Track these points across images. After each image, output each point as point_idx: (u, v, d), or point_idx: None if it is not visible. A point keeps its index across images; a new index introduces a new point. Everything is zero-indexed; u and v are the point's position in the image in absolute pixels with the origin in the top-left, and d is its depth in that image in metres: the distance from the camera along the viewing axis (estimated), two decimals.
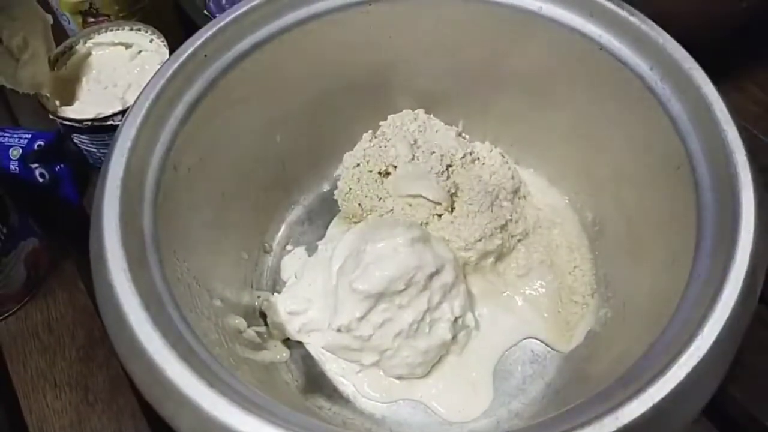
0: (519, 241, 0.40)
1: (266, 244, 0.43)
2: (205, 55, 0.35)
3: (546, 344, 0.38)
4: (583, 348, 0.37)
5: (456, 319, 0.36)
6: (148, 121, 0.32)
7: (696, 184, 0.29)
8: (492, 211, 0.39)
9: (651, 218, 0.34)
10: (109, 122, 0.42)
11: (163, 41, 0.45)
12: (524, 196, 0.42)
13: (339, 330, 0.34)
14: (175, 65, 0.34)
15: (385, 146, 0.41)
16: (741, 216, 0.26)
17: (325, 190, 0.45)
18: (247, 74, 0.37)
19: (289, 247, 0.43)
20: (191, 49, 0.34)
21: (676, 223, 0.30)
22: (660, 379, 0.23)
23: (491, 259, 0.39)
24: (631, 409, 0.23)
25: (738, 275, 0.25)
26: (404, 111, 0.43)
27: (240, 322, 0.37)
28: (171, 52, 0.40)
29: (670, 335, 0.26)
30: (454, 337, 0.37)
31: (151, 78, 0.34)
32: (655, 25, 0.33)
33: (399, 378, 0.37)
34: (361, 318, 0.34)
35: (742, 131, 0.28)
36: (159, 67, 0.34)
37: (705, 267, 0.27)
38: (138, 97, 0.33)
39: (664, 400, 0.23)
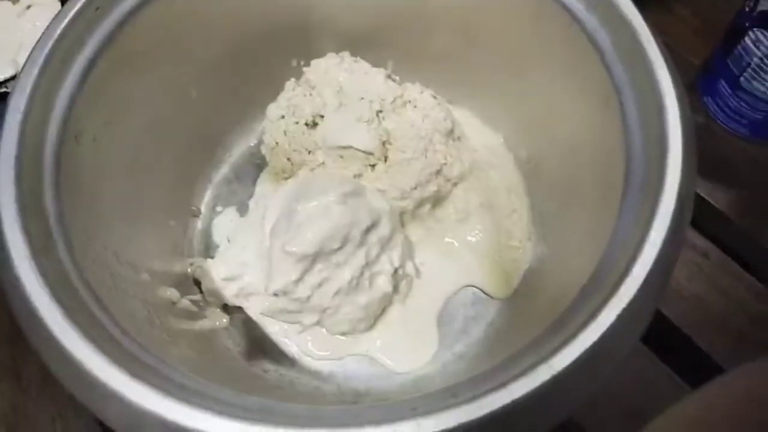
0: (455, 185, 0.39)
1: (194, 208, 0.41)
2: (97, 8, 0.31)
3: (485, 293, 0.38)
4: (522, 286, 0.38)
5: (396, 270, 0.36)
6: (40, 89, 0.29)
7: (624, 118, 0.29)
8: (426, 156, 0.37)
9: (582, 154, 0.33)
10: (2, 89, 0.38)
11: None
12: (459, 138, 0.40)
13: (275, 294, 0.33)
14: (65, 22, 0.30)
15: (310, 94, 0.39)
16: (669, 151, 0.26)
17: (251, 144, 0.43)
18: (149, 25, 0.33)
19: (219, 209, 0.41)
20: (82, 2, 0.31)
21: (606, 159, 0.30)
22: (591, 324, 0.23)
23: (428, 206, 0.39)
24: (563, 357, 0.23)
25: (666, 212, 0.25)
26: (328, 54, 0.40)
27: (172, 293, 0.35)
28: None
29: (600, 276, 0.26)
30: (395, 288, 0.36)
31: (39, 38, 0.30)
32: None
33: (343, 334, 0.36)
34: (298, 280, 0.33)
35: (671, 63, 0.28)
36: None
37: (633, 205, 0.26)
38: (25, 63, 0.30)
39: (595, 344, 0.23)
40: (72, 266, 0.26)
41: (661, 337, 0.37)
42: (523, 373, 0.23)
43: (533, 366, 0.23)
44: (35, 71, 0.29)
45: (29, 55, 0.29)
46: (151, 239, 0.36)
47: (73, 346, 0.23)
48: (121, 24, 0.32)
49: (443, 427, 0.21)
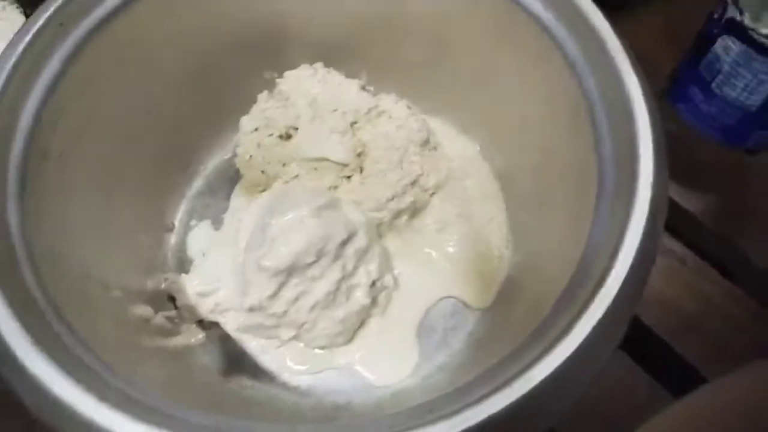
0: (432, 195, 0.39)
1: (167, 222, 0.40)
2: (61, 24, 0.31)
3: (465, 303, 0.38)
4: (501, 295, 0.37)
5: (374, 283, 0.35)
6: (3, 104, 0.28)
7: (595, 127, 0.28)
8: (402, 167, 0.37)
9: (556, 163, 0.33)
10: None
11: (17, 7, 0.40)
12: (435, 147, 0.40)
13: (251, 310, 0.33)
14: (28, 37, 0.30)
15: (284, 106, 0.38)
16: (639, 158, 0.26)
17: (225, 157, 0.42)
18: (116, 40, 0.33)
19: (193, 223, 0.40)
20: (45, 15, 0.30)
21: (579, 168, 0.30)
22: (568, 334, 0.23)
23: (405, 217, 0.38)
24: (541, 368, 0.22)
25: (639, 219, 0.25)
26: (301, 66, 0.40)
27: (146, 310, 0.34)
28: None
29: (576, 285, 0.25)
30: (373, 300, 0.36)
31: (2, 53, 0.30)
32: None
33: (321, 348, 0.36)
34: (273, 296, 0.32)
35: (639, 70, 0.28)
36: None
37: (606, 213, 0.26)
38: None
39: (573, 354, 0.23)
40: (37, 286, 0.26)
41: (639, 343, 0.37)
42: (501, 386, 0.22)
43: (511, 379, 0.22)
44: None
45: None
46: (123, 256, 0.35)
47: (38, 369, 0.23)
48: (87, 39, 0.31)
49: None
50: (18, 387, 0.23)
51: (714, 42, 0.39)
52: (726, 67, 0.39)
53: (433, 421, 0.22)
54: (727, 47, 0.38)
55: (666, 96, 0.45)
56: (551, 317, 0.25)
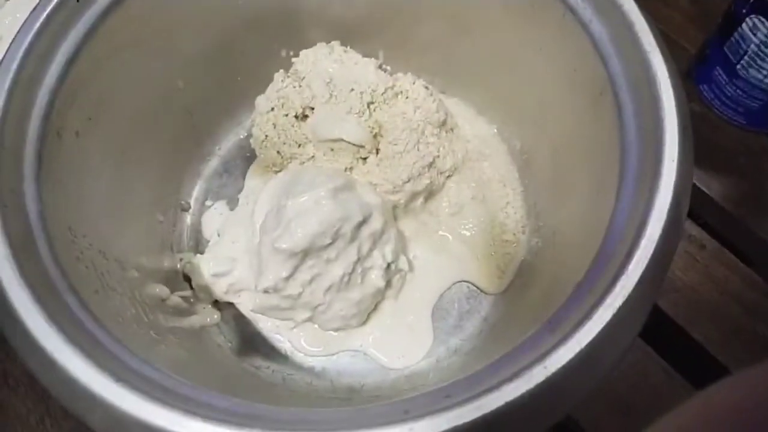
0: (448, 177, 0.39)
1: (183, 202, 0.40)
2: (78, 0, 0.30)
3: (479, 288, 0.37)
4: (516, 280, 0.37)
5: (389, 265, 0.35)
6: (19, 84, 0.28)
7: (619, 110, 0.28)
8: (418, 149, 0.37)
9: (576, 146, 0.33)
10: None
11: None
12: (452, 129, 0.40)
13: (266, 291, 0.33)
14: (44, 14, 0.30)
15: (300, 86, 0.38)
16: (664, 144, 0.25)
17: (241, 137, 0.42)
18: (132, 17, 0.32)
19: (208, 203, 0.40)
20: None
21: (600, 152, 0.29)
22: (586, 323, 0.23)
23: (421, 199, 0.38)
24: (558, 357, 0.22)
25: (662, 207, 0.24)
26: (318, 45, 0.39)
27: (162, 289, 0.34)
28: None
29: (596, 273, 0.25)
30: (388, 283, 0.36)
31: (18, 32, 0.29)
32: None
33: (336, 330, 0.36)
34: (288, 277, 0.32)
35: (666, 53, 0.27)
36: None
37: (629, 199, 0.26)
38: (4, 57, 0.29)
39: (591, 343, 0.22)
40: (54, 266, 0.26)
41: (655, 329, 0.36)
42: (517, 374, 0.22)
43: (528, 367, 0.22)
44: (14, 66, 0.28)
45: (8, 49, 0.29)
46: (139, 235, 0.35)
47: (55, 348, 0.23)
48: (104, 16, 0.31)
49: (436, 430, 0.21)
50: (34, 367, 0.24)
51: (741, 22, 0.37)
52: (753, 48, 0.38)
53: (450, 407, 0.21)
54: (755, 27, 0.37)
55: (690, 77, 0.44)
56: (570, 303, 0.24)
